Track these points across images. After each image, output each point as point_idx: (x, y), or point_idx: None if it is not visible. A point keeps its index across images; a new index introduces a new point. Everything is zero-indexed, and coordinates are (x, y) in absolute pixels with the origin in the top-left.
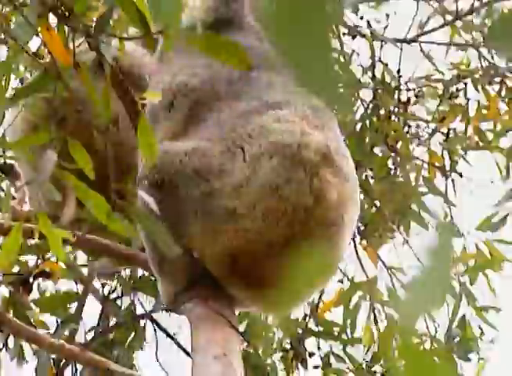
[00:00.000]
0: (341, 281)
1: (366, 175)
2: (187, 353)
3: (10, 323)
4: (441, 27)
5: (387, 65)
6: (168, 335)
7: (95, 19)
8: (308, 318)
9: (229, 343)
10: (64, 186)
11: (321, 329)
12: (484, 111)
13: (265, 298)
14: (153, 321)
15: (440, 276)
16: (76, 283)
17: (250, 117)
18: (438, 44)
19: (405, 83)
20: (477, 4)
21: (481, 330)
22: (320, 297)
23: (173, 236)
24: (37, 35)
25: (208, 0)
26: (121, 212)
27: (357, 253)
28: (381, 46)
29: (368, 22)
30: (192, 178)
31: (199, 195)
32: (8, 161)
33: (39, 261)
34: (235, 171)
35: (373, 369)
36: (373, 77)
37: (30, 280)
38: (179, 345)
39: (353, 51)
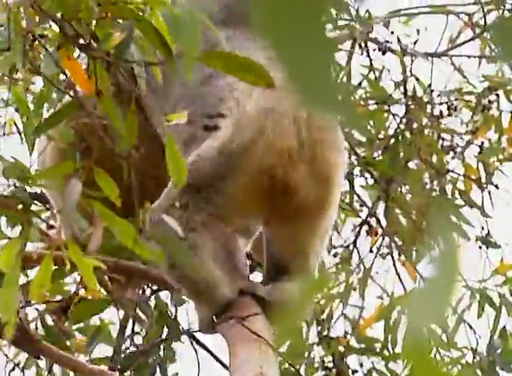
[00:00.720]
0: (381, 297)
1: (401, 190)
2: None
3: (51, 351)
4: (471, 39)
5: (418, 80)
6: (210, 353)
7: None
8: (349, 335)
9: (267, 363)
10: (91, 213)
11: (362, 346)
12: None
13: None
14: (194, 338)
15: (445, 285)
16: (117, 309)
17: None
18: (469, 57)
19: (437, 96)
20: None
21: None
22: (360, 314)
23: None
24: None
25: None
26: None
27: (396, 268)
28: (412, 61)
29: (398, 37)
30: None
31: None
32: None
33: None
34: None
35: None
36: (405, 92)
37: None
38: (222, 363)
39: (383, 67)
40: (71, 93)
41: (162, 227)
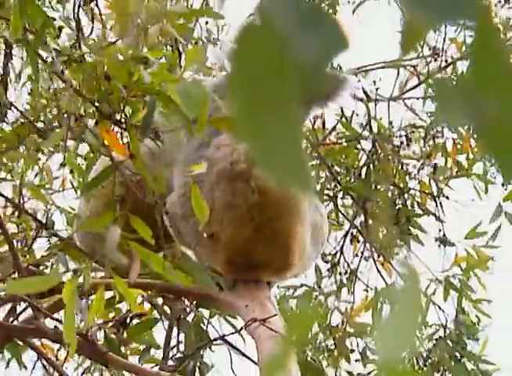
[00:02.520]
0: (366, 291)
1: (373, 207)
2: None
3: (115, 360)
4: (418, 85)
5: (381, 119)
6: (244, 355)
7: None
8: (344, 324)
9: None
10: (128, 250)
11: (356, 330)
12: (458, 146)
13: (271, 271)
14: (228, 343)
15: (409, 319)
16: (161, 319)
17: (200, 149)
18: (417, 98)
19: (397, 131)
20: (443, 64)
21: (478, 317)
22: (352, 306)
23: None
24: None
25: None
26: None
27: (376, 267)
28: (375, 105)
29: (363, 88)
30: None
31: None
32: None
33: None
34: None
35: None
36: (371, 130)
37: (127, 321)
38: (251, 360)
39: (353, 111)
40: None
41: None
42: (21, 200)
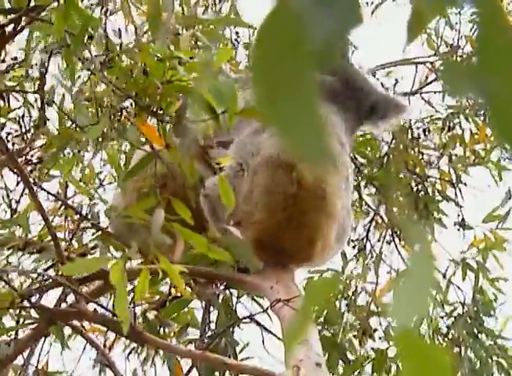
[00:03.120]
0: (390, 272)
1: (396, 194)
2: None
3: (152, 340)
4: (434, 80)
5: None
6: (271, 333)
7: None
8: (369, 304)
9: (309, 332)
10: (171, 232)
11: (380, 310)
12: (475, 136)
13: (292, 258)
14: (256, 322)
15: (423, 282)
16: (200, 301)
17: (258, 135)
18: (435, 92)
19: (415, 123)
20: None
21: (495, 295)
22: (376, 287)
23: None
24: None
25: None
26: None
27: (398, 251)
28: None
29: (381, 83)
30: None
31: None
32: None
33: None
34: (242, 185)
35: None
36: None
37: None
38: (277, 337)
39: None
40: (148, 149)
41: (228, 235)
42: (66, 195)
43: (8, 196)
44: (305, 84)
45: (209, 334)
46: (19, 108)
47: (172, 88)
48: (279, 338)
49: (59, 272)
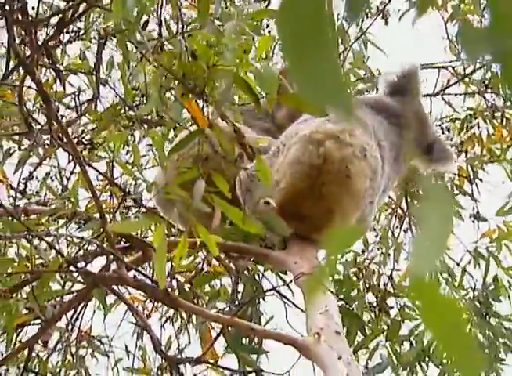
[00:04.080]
0: (407, 259)
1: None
2: None
3: (185, 305)
4: (456, 83)
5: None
6: (293, 304)
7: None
8: (386, 285)
9: (329, 303)
10: (211, 203)
11: (396, 291)
12: (492, 137)
13: (312, 226)
14: (280, 294)
15: (441, 231)
16: (229, 275)
17: (302, 123)
18: (455, 94)
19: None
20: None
21: (509, 283)
22: (392, 271)
23: None
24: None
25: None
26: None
27: None
28: None
29: None
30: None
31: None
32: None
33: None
34: (277, 161)
35: None
36: None
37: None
38: (299, 308)
39: None
40: (191, 128)
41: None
42: (112, 175)
43: (60, 173)
44: (327, 43)
45: (236, 304)
46: (73, 93)
47: (217, 72)
48: (301, 310)
49: (104, 242)
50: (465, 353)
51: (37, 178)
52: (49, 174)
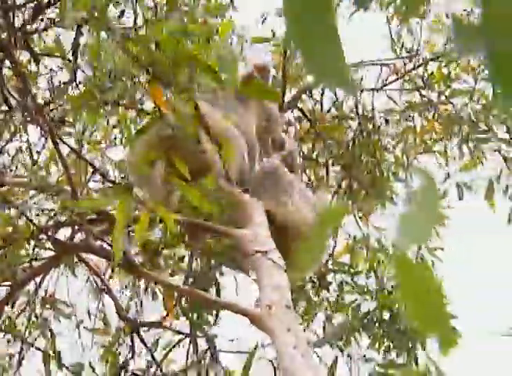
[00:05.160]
0: (347, 239)
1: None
2: None
3: (146, 273)
4: (396, 80)
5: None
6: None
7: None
8: (327, 262)
9: (282, 280)
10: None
11: (336, 268)
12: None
13: None
14: (236, 265)
15: (429, 209)
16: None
17: None
18: (396, 90)
19: (378, 113)
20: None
21: (433, 262)
22: (333, 249)
23: None
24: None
25: None
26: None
27: (356, 220)
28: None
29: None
30: None
31: None
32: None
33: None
34: None
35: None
36: (357, 113)
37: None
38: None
39: (343, 97)
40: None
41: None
42: (81, 151)
43: (30, 148)
44: (328, 20)
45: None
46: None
47: (181, 58)
48: (254, 281)
49: (73, 212)
50: (441, 328)
51: (8, 152)
52: (21, 149)
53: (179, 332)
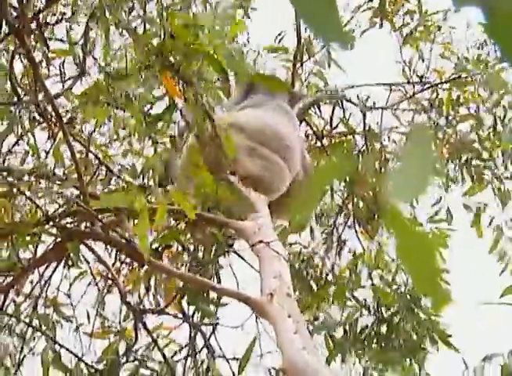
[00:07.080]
0: (350, 252)
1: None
2: None
3: (153, 262)
4: (402, 101)
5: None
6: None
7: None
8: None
9: (283, 269)
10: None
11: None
12: None
13: None
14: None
15: (423, 161)
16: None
17: None
18: (403, 110)
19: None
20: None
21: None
22: (334, 264)
23: None
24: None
25: None
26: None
27: (357, 236)
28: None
29: (358, 96)
30: None
31: None
32: None
33: None
34: None
35: None
36: (364, 128)
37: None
38: (255, 270)
39: (349, 114)
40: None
41: None
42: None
43: (37, 150)
44: None
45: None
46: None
47: (193, 51)
48: (257, 271)
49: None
50: (433, 284)
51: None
52: (28, 152)
53: (180, 318)
